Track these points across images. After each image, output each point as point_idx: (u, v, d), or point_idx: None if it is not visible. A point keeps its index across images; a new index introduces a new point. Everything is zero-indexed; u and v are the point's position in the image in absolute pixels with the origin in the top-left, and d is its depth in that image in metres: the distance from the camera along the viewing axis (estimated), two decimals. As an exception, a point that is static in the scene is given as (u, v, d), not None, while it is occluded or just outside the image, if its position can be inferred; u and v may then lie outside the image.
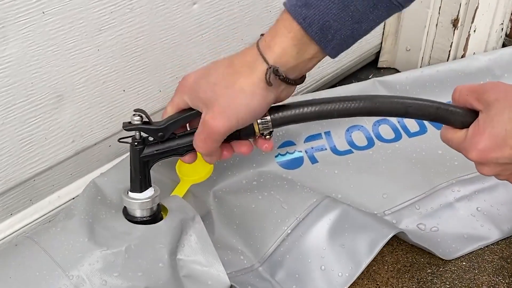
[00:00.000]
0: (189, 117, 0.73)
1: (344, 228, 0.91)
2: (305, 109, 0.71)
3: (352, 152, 1.08)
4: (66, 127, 0.82)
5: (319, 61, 0.68)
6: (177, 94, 0.72)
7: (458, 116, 0.74)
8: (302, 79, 0.70)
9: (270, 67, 0.65)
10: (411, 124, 1.15)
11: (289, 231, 0.90)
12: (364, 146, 1.10)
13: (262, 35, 0.68)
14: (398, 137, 1.12)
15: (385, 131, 1.13)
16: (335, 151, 1.08)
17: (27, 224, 0.84)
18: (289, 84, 0.68)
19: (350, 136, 1.10)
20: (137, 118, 0.72)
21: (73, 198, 0.87)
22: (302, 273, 0.88)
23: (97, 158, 0.89)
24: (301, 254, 0.89)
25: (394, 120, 1.15)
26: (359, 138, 1.10)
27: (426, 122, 1.14)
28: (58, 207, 0.87)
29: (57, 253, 0.72)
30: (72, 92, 0.80)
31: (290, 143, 1.06)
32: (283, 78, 0.66)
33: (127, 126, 0.72)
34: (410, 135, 1.13)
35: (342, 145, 1.09)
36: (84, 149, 0.86)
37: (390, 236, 0.89)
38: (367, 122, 1.13)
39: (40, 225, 0.85)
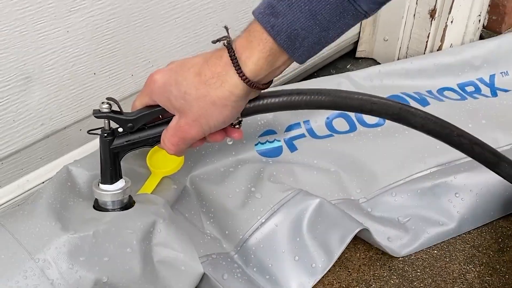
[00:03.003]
0: (158, 112, 0.73)
1: (317, 221, 0.91)
2: (274, 100, 0.72)
3: (333, 136, 1.09)
4: (34, 110, 0.81)
5: (288, 66, 0.68)
6: (145, 95, 0.73)
7: (418, 118, 0.75)
8: (270, 82, 0.71)
9: (247, 81, 0.66)
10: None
11: (263, 221, 0.90)
12: (345, 130, 1.10)
13: (226, 28, 0.68)
14: (381, 122, 1.13)
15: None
16: (314, 135, 1.08)
17: (-5, 208, 0.83)
18: (260, 89, 0.69)
19: (331, 122, 1.10)
20: (106, 106, 0.72)
21: (43, 182, 0.86)
22: (276, 263, 0.89)
23: (67, 142, 0.88)
24: (275, 244, 0.90)
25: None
26: (340, 124, 1.10)
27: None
28: (27, 191, 0.86)
29: (23, 236, 0.71)
30: (40, 74, 0.79)
31: (271, 132, 1.06)
32: (256, 86, 0.67)
33: (97, 113, 0.72)
34: None
35: (322, 131, 1.09)
36: (54, 133, 0.85)
37: (357, 231, 0.90)
38: None
39: (9, 209, 0.84)
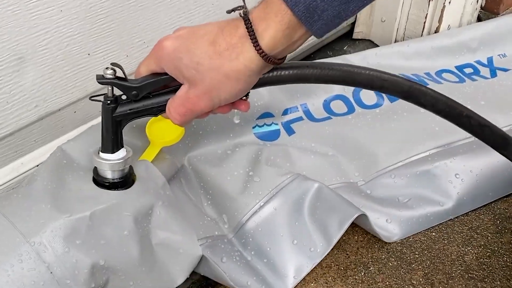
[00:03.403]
0: (165, 80, 0.71)
1: (316, 205, 0.91)
2: (284, 72, 0.70)
3: (331, 118, 1.08)
4: (28, 91, 0.79)
5: (305, 41, 0.66)
6: (153, 60, 0.70)
7: (428, 97, 0.74)
8: (285, 58, 0.69)
9: (264, 55, 0.64)
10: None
11: (261, 204, 0.90)
12: (343, 112, 1.10)
13: (243, 1, 0.65)
14: (380, 103, 1.12)
15: (366, 96, 1.12)
16: (312, 118, 1.08)
17: (-11, 191, 0.82)
18: (275, 64, 0.67)
19: (329, 104, 1.10)
20: (110, 72, 0.69)
21: (38, 165, 0.85)
22: (274, 246, 0.89)
23: (62, 124, 0.87)
24: (274, 228, 0.89)
25: None
26: (338, 106, 1.10)
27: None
28: (22, 174, 0.84)
29: (18, 219, 0.70)
30: (34, 54, 0.77)
31: (268, 115, 1.05)
32: (271, 61, 0.65)
33: (101, 79, 0.69)
34: (392, 100, 1.13)
35: (320, 113, 1.09)
36: (48, 115, 0.84)
37: (356, 216, 0.90)
38: (346, 90, 1.13)
39: (3, 192, 0.83)
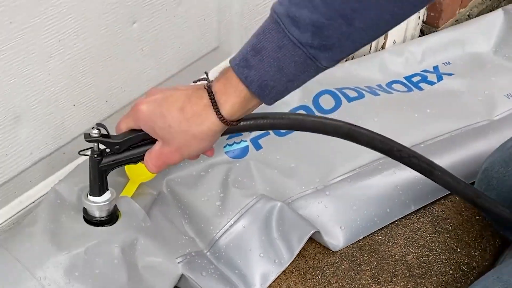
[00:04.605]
0: (142, 136, 0.83)
1: (279, 223, 1.03)
2: (243, 123, 0.83)
3: (293, 132, 1.18)
4: (24, 143, 0.91)
5: (258, 107, 0.79)
6: (131, 119, 0.82)
7: (365, 137, 0.88)
8: (241, 119, 0.81)
9: (224, 121, 0.76)
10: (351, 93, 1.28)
11: (232, 222, 1.02)
12: None
13: (206, 74, 0.78)
14: (338, 105, 1.23)
15: (326, 102, 1.24)
16: (277, 133, 1.18)
17: (-7, 228, 0.94)
18: (233, 125, 0.80)
19: None
20: (96, 131, 0.81)
21: (34, 202, 0.97)
22: (243, 259, 1.01)
23: (52, 165, 0.98)
24: (243, 243, 1.02)
25: (334, 90, 1.27)
26: None
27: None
28: (20, 210, 0.96)
29: (25, 258, 0.82)
30: (28, 112, 0.89)
31: (237, 134, 1.15)
32: (230, 124, 0.78)
33: (88, 137, 0.82)
34: (350, 100, 1.25)
35: None
36: (41, 159, 0.95)
37: (312, 232, 1.03)
38: (306, 100, 1.23)
39: (5, 228, 0.95)
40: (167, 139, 0.80)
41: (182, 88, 0.80)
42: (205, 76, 0.78)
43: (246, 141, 1.16)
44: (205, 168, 1.10)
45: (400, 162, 0.94)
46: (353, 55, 1.44)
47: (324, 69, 0.74)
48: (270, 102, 0.76)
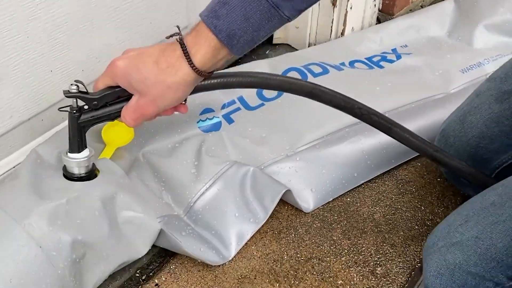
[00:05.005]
0: (119, 92, 0.88)
1: (252, 185, 1.08)
2: (213, 81, 0.89)
3: (264, 105, 1.25)
4: (4, 105, 0.94)
5: (228, 58, 0.84)
6: (108, 76, 0.86)
7: (327, 95, 0.94)
8: (213, 72, 0.87)
9: (196, 70, 0.81)
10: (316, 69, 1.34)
11: (207, 187, 1.06)
12: (273, 96, 1.26)
13: (178, 27, 0.82)
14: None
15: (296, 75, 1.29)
16: (248, 107, 1.24)
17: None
18: (205, 77, 0.85)
19: (261, 91, 1.26)
20: (74, 87, 0.86)
21: (14, 167, 1.00)
22: (219, 220, 1.05)
23: (32, 131, 1.02)
24: (218, 205, 1.06)
25: (300, 67, 1.33)
26: (269, 92, 1.26)
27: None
28: (1, 174, 0.99)
29: (9, 207, 0.85)
30: (7, 74, 0.93)
31: (209, 110, 1.21)
32: (202, 74, 0.83)
33: (67, 93, 0.86)
34: (315, 75, 1.32)
35: (254, 101, 1.25)
36: (20, 123, 0.99)
37: (283, 191, 1.08)
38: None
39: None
40: (143, 91, 0.84)
41: (155, 45, 0.85)
42: (177, 31, 0.84)
43: (218, 117, 1.21)
44: (179, 140, 1.15)
45: (361, 120, 0.99)
46: (315, 41, 1.52)
47: (288, 20, 0.79)
48: (238, 52, 0.82)
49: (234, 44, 0.80)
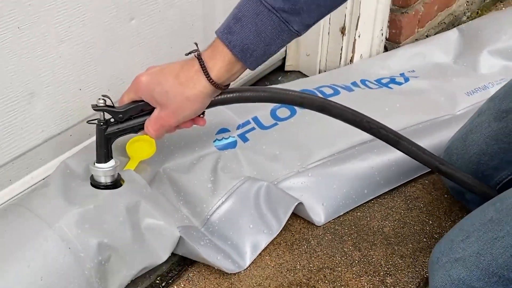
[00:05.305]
0: (142, 106, 0.95)
1: (266, 199, 1.13)
2: (229, 95, 0.95)
3: (277, 124, 1.30)
4: (37, 119, 1.01)
5: (242, 72, 0.90)
6: (132, 91, 0.93)
7: (337, 110, 0.99)
8: (228, 85, 0.93)
9: (213, 83, 0.87)
10: (327, 90, 1.40)
11: (223, 200, 1.12)
12: (287, 116, 1.31)
13: (195, 44, 0.89)
14: None
15: None
16: (262, 127, 1.29)
17: (7, 200, 1.03)
18: (221, 89, 0.91)
19: (275, 112, 1.32)
20: (101, 101, 0.93)
21: (44, 179, 1.06)
22: (235, 231, 1.10)
23: (60, 146, 1.09)
24: (233, 217, 1.11)
25: (313, 89, 1.39)
26: (282, 112, 1.32)
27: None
28: (30, 186, 1.05)
29: (41, 212, 0.91)
30: (41, 91, 1.00)
31: (225, 130, 1.27)
32: (219, 87, 0.89)
33: (95, 107, 0.93)
34: (326, 96, 1.36)
35: (268, 121, 1.30)
36: (51, 138, 1.06)
37: (296, 204, 1.13)
38: None
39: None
40: (164, 104, 0.91)
41: (175, 62, 0.92)
42: (195, 47, 0.91)
43: (234, 136, 1.27)
44: (197, 157, 1.21)
45: (369, 133, 1.04)
46: (325, 68, 1.59)
47: (297, 34, 0.86)
48: (252, 66, 0.88)
49: (247, 58, 0.86)
